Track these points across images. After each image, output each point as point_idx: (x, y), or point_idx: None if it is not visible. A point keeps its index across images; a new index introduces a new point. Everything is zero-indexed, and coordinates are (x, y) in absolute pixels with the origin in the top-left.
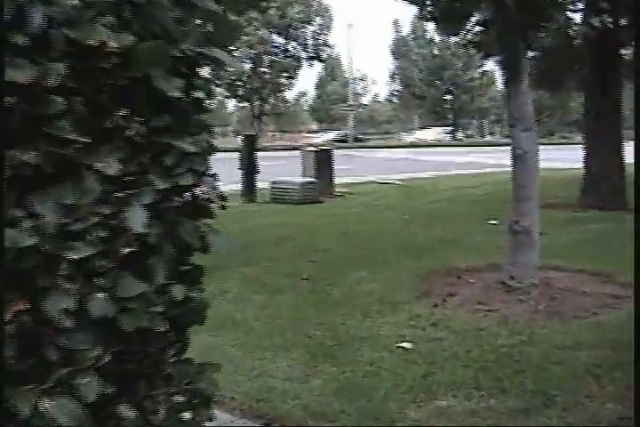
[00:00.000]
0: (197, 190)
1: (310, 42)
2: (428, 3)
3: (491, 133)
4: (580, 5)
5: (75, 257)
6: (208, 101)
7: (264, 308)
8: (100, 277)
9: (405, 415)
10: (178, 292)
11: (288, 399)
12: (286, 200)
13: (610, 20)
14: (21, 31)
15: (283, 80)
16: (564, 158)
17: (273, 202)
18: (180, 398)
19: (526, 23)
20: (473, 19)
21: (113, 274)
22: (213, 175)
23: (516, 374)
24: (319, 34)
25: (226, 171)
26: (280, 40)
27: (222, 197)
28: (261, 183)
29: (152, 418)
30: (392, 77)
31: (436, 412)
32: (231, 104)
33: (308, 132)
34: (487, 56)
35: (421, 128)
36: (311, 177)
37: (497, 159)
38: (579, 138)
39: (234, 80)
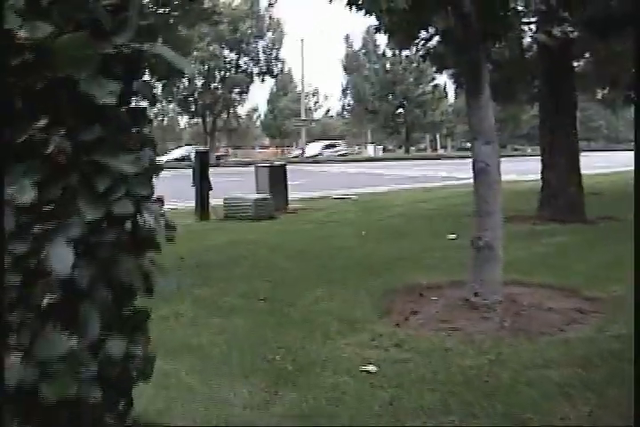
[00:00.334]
0: (139, 219)
1: (262, 57)
2: (384, 13)
3: (443, 147)
4: (536, 16)
5: None
6: (152, 110)
7: (221, 332)
8: (15, 333)
9: None
10: (116, 347)
11: None
12: (240, 217)
13: (570, 29)
14: None
15: (235, 96)
16: (517, 170)
17: (227, 219)
18: None
19: (486, 33)
20: (430, 30)
21: (31, 329)
22: (159, 200)
23: (487, 397)
24: (271, 49)
25: (181, 187)
26: (232, 55)
27: (170, 227)
28: (215, 200)
29: None
30: (344, 92)
31: None
32: (183, 121)
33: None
34: (441, 69)
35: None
36: (265, 193)
37: (448, 172)
38: (529, 150)
39: (186, 96)
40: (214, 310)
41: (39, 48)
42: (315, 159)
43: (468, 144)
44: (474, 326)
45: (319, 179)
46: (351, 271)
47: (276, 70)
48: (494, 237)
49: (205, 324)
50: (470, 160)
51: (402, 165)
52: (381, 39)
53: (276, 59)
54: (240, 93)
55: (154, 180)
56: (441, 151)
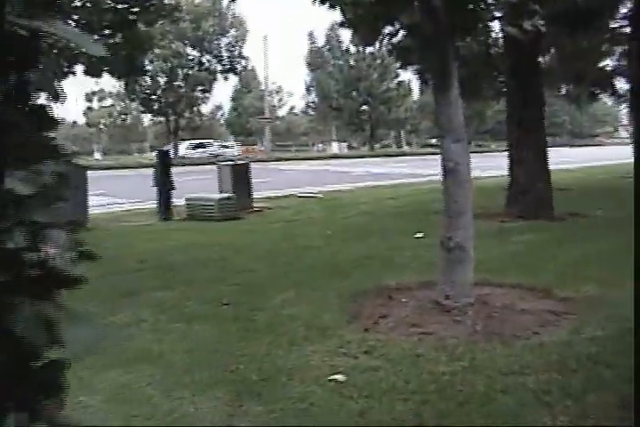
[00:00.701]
0: (40, 253)
1: (225, 54)
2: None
3: (408, 144)
4: (506, 9)
5: None
6: (55, 109)
7: (183, 339)
8: None
9: None
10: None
11: None
12: (203, 217)
13: (541, 22)
14: None
15: (198, 94)
16: (481, 167)
17: (190, 219)
18: None
19: (455, 27)
20: (395, 24)
21: None
22: (72, 224)
23: (461, 406)
24: (234, 46)
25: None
26: (194, 53)
27: (90, 256)
28: (178, 200)
29: None
30: (308, 89)
31: None
32: (147, 119)
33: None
34: (406, 65)
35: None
36: (228, 192)
37: (411, 169)
38: (493, 146)
39: (149, 94)
40: (177, 316)
41: None
42: (191, 161)
43: (433, 141)
44: (445, 331)
45: (284, 177)
46: (319, 272)
47: (239, 68)
48: (465, 238)
49: (167, 330)
50: (436, 157)
51: (367, 162)
52: (345, 35)
53: (240, 56)
54: (203, 91)
55: (60, 201)
56: (406, 148)
